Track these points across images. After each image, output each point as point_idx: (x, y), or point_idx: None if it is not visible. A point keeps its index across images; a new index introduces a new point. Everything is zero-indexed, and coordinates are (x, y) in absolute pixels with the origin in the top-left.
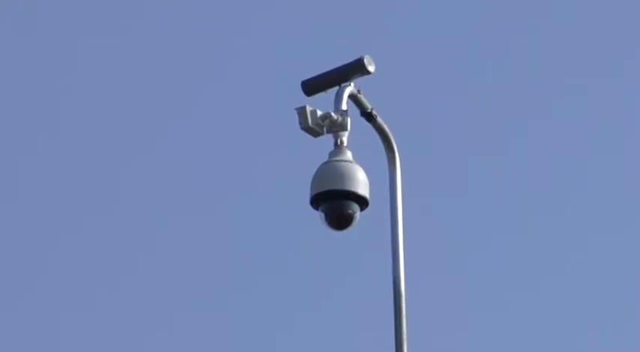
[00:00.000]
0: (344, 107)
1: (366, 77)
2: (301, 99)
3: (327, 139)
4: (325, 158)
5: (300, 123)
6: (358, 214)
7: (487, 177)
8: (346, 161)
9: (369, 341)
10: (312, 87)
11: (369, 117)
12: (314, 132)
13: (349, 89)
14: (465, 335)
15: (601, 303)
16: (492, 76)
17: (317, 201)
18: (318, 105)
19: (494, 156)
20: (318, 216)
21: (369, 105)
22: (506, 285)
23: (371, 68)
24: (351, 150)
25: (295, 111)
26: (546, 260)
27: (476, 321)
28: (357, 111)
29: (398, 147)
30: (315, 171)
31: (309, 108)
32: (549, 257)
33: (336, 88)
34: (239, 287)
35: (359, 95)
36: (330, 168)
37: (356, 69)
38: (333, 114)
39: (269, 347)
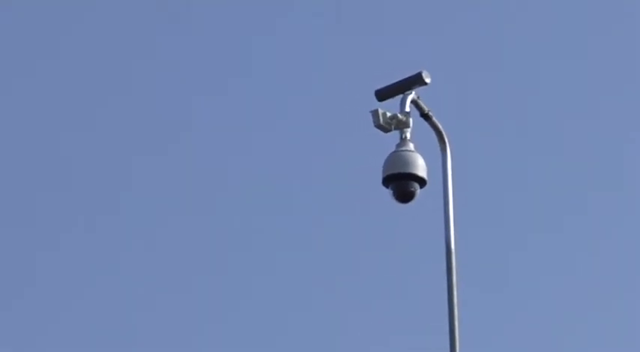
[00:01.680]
0: (407, 109)
1: (424, 87)
2: (374, 103)
3: (395, 134)
4: (393, 149)
5: (374, 122)
6: (418, 191)
7: (520, 157)
8: (409, 151)
9: (425, 289)
10: (382, 94)
11: (426, 117)
12: (384, 129)
13: (411, 96)
14: (506, 288)
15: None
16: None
17: (387, 181)
18: (388, 108)
19: (520, 142)
20: (388, 193)
21: (426, 108)
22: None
23: (427, 80)
24: (413, 142)
25: (370, 113)
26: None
27: (515, 276)
28: (417, 113)
29: (448, 140)
30: (385, 158)
31: (380, 111)
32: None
33: (401, 95)
34: (330, 251)
35: (418, 100)
36: (397, 156)
37: (416, 80)
38: (399, 115)
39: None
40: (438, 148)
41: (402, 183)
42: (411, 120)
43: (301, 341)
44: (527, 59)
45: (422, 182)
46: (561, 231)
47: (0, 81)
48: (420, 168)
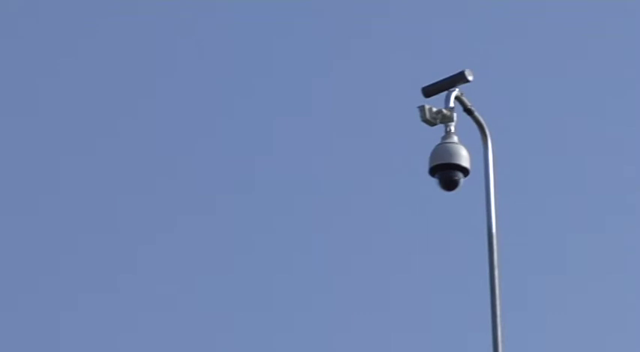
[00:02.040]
0: (451, 105)
1: (466, 84)
2: (421, 100)
3: (440, 128)
4: (439, 141)
5: (421, 117)
6: (462, 180)
7: (557, 150)
8: (453, 143)
9: (468, 270)
10: (429, 91)
11: (469, 112)
12: (430, 123)
13: (455, 92)
14: (547, 267)
15: None
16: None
17: (433, 171)
18: (433, 103)
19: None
20: (434, 182)
21: (468, 104)
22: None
23: (470, 78)
24: (457, 135)
25: (417, 109)
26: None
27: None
28: (460, 108)
29: (489, 132)
30: (431, 150)
31: (427, 107)
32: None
33: (445, 92)
34: (379, 238)
35: (462, 97)
36: (442, 148)
37: (459, 78)
38: (443, 110)
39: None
40: (480, 140)
41: (447, 173)
42: (455, 114)
43: (348, 325)
44: (562, 54)
45: (465, 171)
46: (600, 227)
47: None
48: (464, 159)
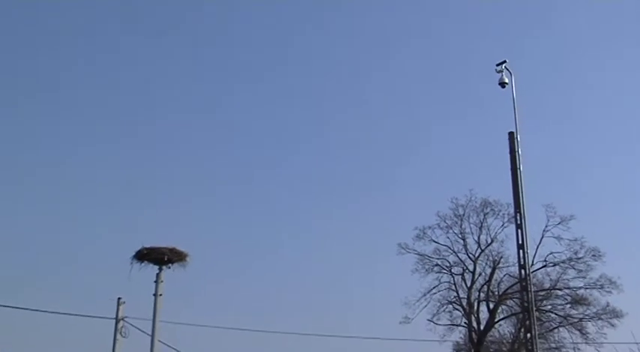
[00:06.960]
0: (503, 68)
1: (506, 63)
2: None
3: (500, 74)
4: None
5: (496, 70)
6: (507, 86)
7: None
8: (504, 75)
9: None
10: (497, 64)
11: (507, 70)
12: (497, 72)
13: (504, 64)
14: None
15: None
16: None
17: (500, 84)
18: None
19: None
20: (499, 87)
21: (508, 67)
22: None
23: (507, 61)
24: (505, 75)
25: (494, 69)
26: None
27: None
28: (507, 70)
29: (514, 77)
30: (498, 78)
31: (497, 67)
32: None
33: (502, 64)
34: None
35: (506, 66)
36: (501, 77)
37: (504, 62)
38: (501, 68)
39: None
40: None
41: (502, 83)
42: (504, 70)
43: None
44: None
45: (507, 83)
46: None
47: None
48: (508, 80)
